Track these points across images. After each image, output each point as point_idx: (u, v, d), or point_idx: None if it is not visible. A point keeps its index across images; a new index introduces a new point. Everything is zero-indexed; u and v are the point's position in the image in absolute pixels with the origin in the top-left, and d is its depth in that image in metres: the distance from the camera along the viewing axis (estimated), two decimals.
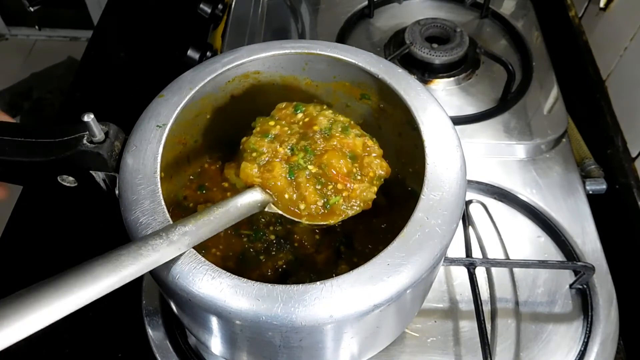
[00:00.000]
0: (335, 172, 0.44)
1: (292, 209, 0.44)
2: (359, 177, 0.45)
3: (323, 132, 0.46)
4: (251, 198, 0.43)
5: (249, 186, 0.44)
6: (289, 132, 0.46)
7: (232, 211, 0.41)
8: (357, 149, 0.46)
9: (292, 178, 0.44)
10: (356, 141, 0.46)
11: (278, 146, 0.45)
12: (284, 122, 0.48)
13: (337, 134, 0.46)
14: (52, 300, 0.28)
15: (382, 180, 0.46)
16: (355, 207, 0.45)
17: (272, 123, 0.47)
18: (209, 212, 0.39)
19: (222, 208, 0.40)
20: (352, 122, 0.48)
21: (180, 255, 0.38)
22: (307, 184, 0.44)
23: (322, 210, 0.44)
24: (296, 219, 0.44)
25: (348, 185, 0.44)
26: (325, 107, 0.49)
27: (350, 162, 0.45)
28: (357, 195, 0.44)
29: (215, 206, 0.40)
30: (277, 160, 0.44)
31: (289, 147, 0.45)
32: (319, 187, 0.44)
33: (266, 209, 0.44)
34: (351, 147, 0.46)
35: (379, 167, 0.46)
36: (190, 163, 0.55)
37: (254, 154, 0.45)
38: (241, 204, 0.42)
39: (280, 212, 0.44)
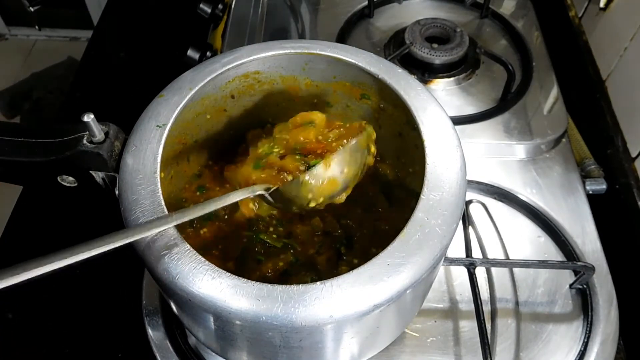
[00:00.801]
0: (308, 145, 0.46)
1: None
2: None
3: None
4: (246, 191, 0.44)
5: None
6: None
7: (223, 200, 0.42)
8: (317, 119, 0.48)
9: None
10: (315, 115, 0.48)
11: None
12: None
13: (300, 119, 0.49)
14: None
15: (365, 127, 0.47)
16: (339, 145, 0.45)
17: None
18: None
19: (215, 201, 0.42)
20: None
21: (180, 255, 0.38)
22: (290, 161, 0.45)
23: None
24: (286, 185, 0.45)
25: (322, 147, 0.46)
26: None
27: (315, 129, 0.47)
28: (331, 143, 0.46)
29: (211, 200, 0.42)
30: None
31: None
32: (299, 157, 0.46)
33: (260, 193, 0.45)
34: (311, 118, 0.48)
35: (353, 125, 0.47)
36: (190, 163, 0.55)
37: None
38: (236, 195, 0.43)
39: (272, 186, 0.45)
